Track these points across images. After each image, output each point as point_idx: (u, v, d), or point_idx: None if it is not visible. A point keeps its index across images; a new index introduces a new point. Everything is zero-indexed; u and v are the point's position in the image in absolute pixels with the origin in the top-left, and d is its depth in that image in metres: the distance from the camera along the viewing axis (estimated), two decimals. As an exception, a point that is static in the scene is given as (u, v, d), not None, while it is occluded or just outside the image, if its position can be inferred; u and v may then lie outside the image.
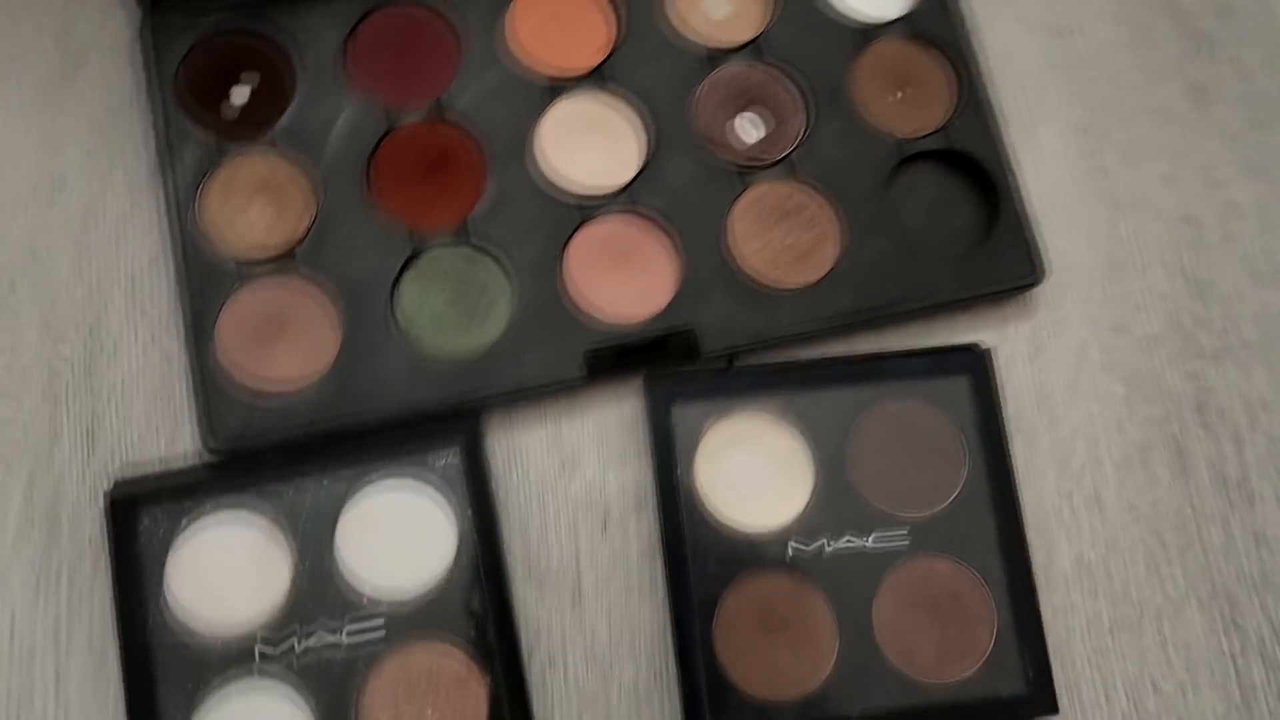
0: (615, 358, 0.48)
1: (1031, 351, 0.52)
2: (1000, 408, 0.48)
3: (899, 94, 0.53)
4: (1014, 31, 0.56)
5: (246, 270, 0.49)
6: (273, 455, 0.46)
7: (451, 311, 0.49)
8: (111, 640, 0.45)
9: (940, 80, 0.53)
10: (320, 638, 0.44)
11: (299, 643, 0.44)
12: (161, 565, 0.45)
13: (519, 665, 0.45)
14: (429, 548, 0.46)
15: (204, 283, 0.48)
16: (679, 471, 0.46)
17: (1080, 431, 0.51)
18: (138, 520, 0.45)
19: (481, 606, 0.45)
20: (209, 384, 0.47)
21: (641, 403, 0.48)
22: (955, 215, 0.52)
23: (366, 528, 0.46)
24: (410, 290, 0.49)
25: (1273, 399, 0.52)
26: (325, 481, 0.46)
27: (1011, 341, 0.52)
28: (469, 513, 0.46)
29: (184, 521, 0.45)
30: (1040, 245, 0.51)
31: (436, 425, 0.47)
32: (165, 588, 0.45)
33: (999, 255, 0.51)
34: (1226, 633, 0.49)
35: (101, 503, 0.46)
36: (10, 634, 0.46)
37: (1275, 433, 0.51)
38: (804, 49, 0.53)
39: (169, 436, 0.49)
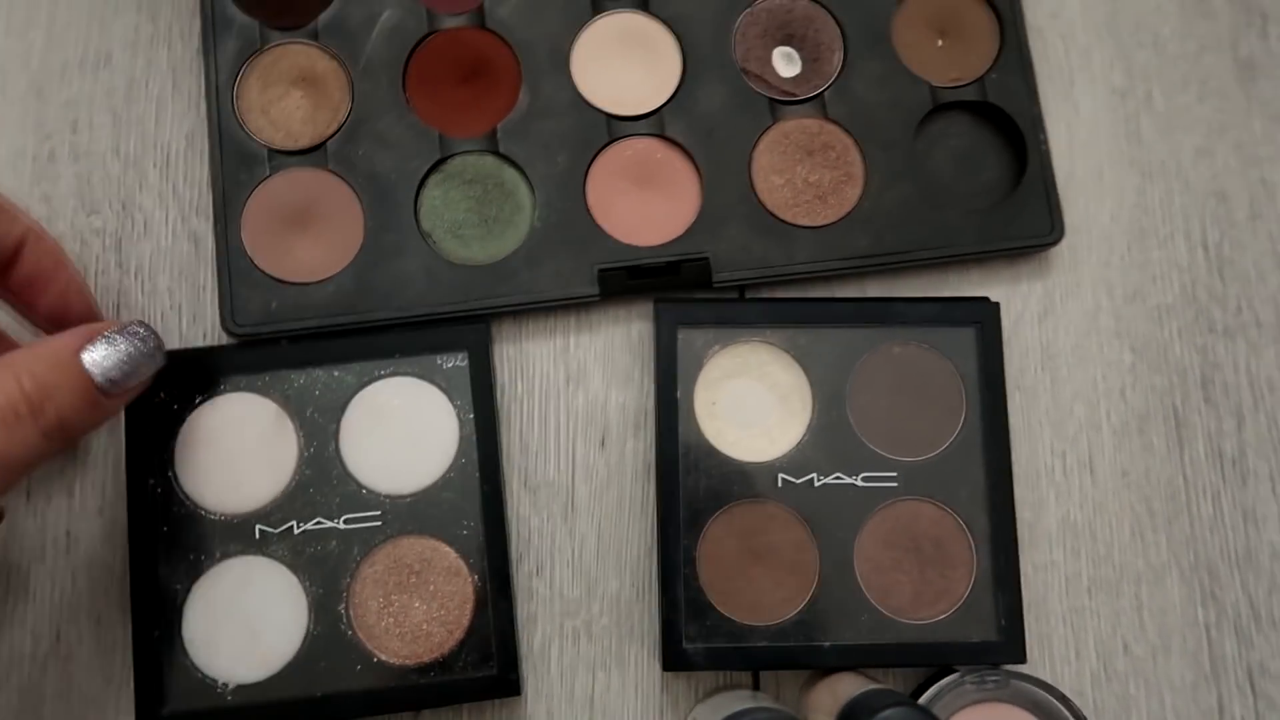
0: (628, 277, 0.48)
1: (1042, 311, 0.51)
2: (1003, 361, 0.48)
3: (940, 41, 0.52)
4: (1064, -13, 0.55)
5: (278, 159, 0.49)
6: (288, 343, 0.47)
7: (473, 218, 0.49)
8: (121, 501, 0.47)
9: (984, 31, 0.52)
10: (319, 522, 0.45)
11: (298, 525, 0.45)
12: (173, 438, 0.46)
13: (507, 567, 0.45)
14: (430, 446, 0.46)
15: (236, 166, 0.48)
16: (679, 394, 0.46)
17: (1081, 394, 0.50)
18: (152, 393, 0.45)
19: (476, 508, 0.45)
20: (233, 267, 0.47)
21: (649, 326, 0.48)
22: (981, 168, 0.51)
23: (371, 422, 0.46)
24: (434, 194, 0.49)
25: (1280, 380, 0.51)
26: (336, 373, 0.46)
27: (1023, 299, 0.51)
28: (471, 416, 0.46)
29: (197, 399, 0.46)
30: (1062, 206, 0.50)
31: (447, 329, 0.47)
32: (175, 460, 0.45)
33: (1020, 212, 0.50)
34: (1204, 604, 0.49)
35: None
36: (26, 495, 0.47)
37: (1278, 413, 0.50)
38: (850, -14, 0.52)
39: (191, 316, 0.49)
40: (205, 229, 0.50)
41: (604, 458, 0.49)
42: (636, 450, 0.49)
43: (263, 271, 0.48)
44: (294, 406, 0.46)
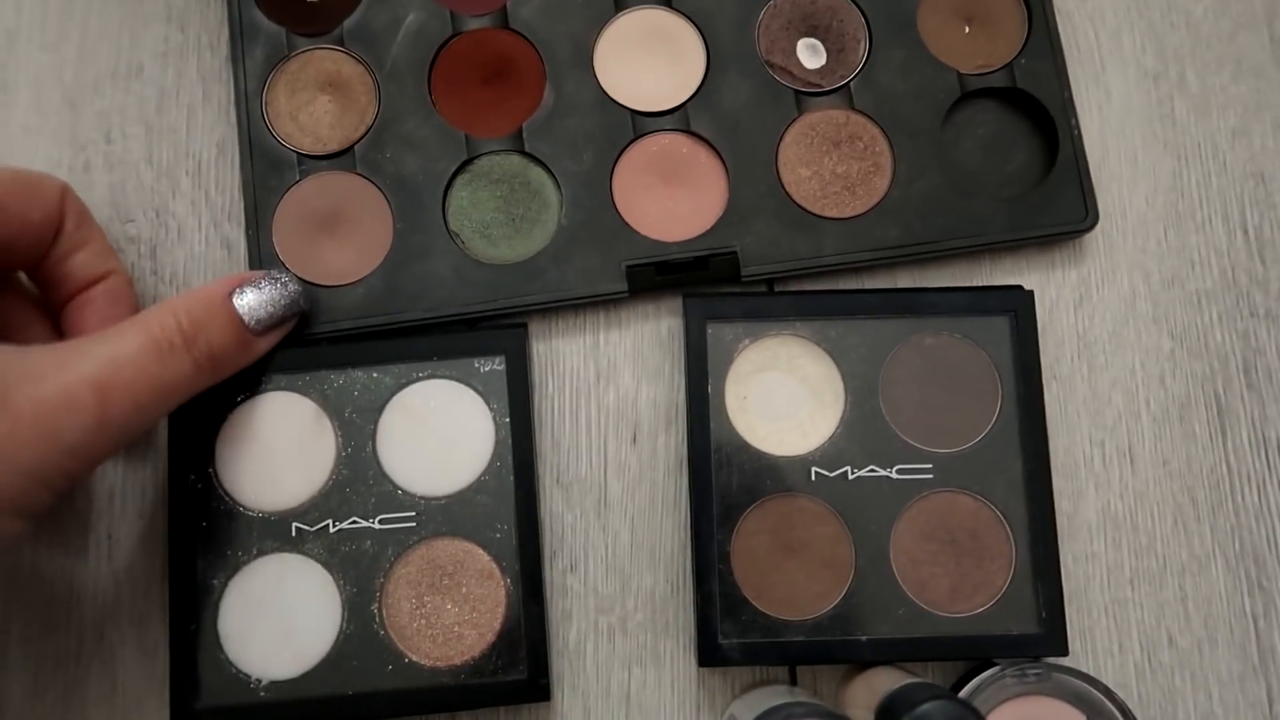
0: (656, 273, 0.48)
1: (1078, 299, 0.50)
2: (1038, 349, 0.47)
3: (967, 27, 0.51)
4: (1093, -29, 0.53)
5: (306, 164, 0.49)
6: (328, 344, 0.47)
7: (500, 218, 0.49)
8: (161, 506, 0.47)
9: (1011, 16, 0.51)
10: (354, 522, 0.45)
11: (334, 524, 0.45)
12: (214, 435, 0.46)
13: (539, 572, 0.45)
14: (466, 449, 0.46)
15: (266, 172, 0.49)
16: (710, 389, 0.45)
17: (1120, 382, 0.49)
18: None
19: (510, 512, 0.45)
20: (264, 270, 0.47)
21: (679, 321, 0.48)
22: (1011, 156, 0.50)
23: (408, 424, 0.46)
24: (462, 194, 0.49)
25: (1325, 364, 0.49)
26: (374, 375, 0.46)
27: (1057, 287, 0.50)
28: (507, 420, 0.46)
29: (239, 397, 0.46)
30: (1095, 192, 0.49)
31: (485, 333, 0.47)
32: (215, 456, 0.46)
33: (1052, 199, 0.49)
34: (1250, 594, 0.47)
35: None
36: (70, 499, 0.47)
37: (1324, 399, 0.49)
38: (875, -25, 0.51)
39: (225, 320, 0.49)
40: (237, 235, 0.50)
41: (635, 454, 0.48)
42: (668, 446, 0.48)
43: (294, 275, 0.48)
44: (333, 406, 0.46)
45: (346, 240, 0.48)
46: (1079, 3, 0.53)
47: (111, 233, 0.50)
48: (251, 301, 0.43)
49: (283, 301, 0.44)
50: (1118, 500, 0.48)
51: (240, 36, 0.50)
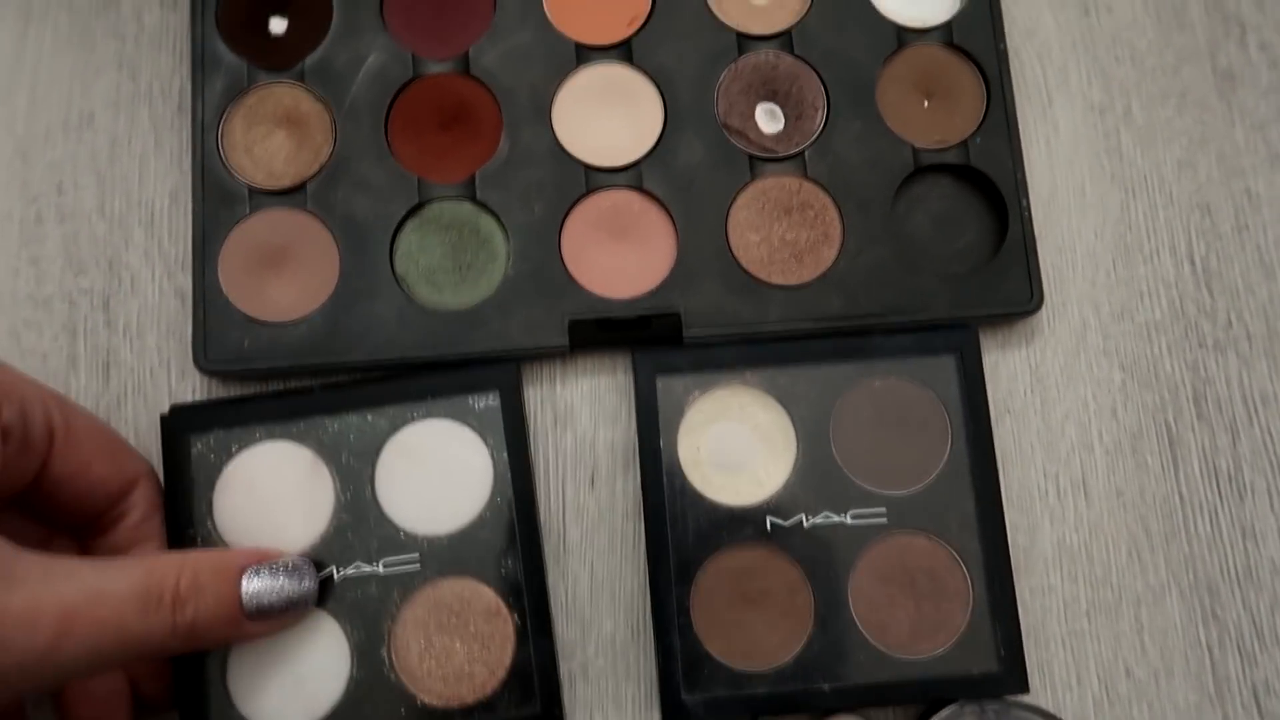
0: (598, 330, 0.46)
1: (1029, 332, 0.48)
2: (985, 387, 0.45)
3: (926, 101, 0.49)
4: (1039, 7, 0.52)
5: (258, 199, 0.47)
6: (320, 389, 0.45)
7: (447, 264, 0.47)
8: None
9: (970, 93, 0.49)
10: (358, 567, 0.43)
11: (338, 570, 0.43)
12: (211, 489, 0.44)
13: (547, 605, 0.43)
14: (465, 487, 0.44)
15: (217, 205, 0.47)
16: (662, 443, 0.44)
17: (1072, 415, 0.48)
18: (190, 446, 0.44)
19: (513, 546, 0.43)
20: (209, 304, 0.46)
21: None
22: (962, 232, 0.48)
23: (406, 465, 0.44)
24: (410, 239, 0.47)
25: (1273, 393, 0.48)
26: (369, 417, 0.45)
27: (1009, 322, 0.48)
28: (504, 455, 0.44)
29: (234, 449, 0.44)
30: (1046, 224, 0.48)
31: (478, 369, 0.45)
32: (213, 510, 0.44)
33: (999, 279, 0.47)
34: (1205, 623, 0.46)
35: (146, 429, 0.46)
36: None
37: (1273, 427, 0.48)
38: (837, 45, 0.49)
39: (179, 372, 0.47)
40: (190, 285, 0.47)
41: (594, 497, 0.46)
42: (626, 489, 0.46)
43: (237, 309, 0.46)
44: (329, 452, 0.44)
45: (292, 278, 0.47)
46: (1026, 39, 0.51)
47: (64, 286, 0.48)
48: (259, 587, 0.39)
49: (292, 596, 0.41)
50: (1072, 533, 0.47)
51: (201, 67, 0.48)
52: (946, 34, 0.49)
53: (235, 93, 0.48)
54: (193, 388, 0.47)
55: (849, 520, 0.43)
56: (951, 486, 0.44)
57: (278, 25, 0.49)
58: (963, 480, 0.44)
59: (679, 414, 0.44)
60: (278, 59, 0.49)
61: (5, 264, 0.48)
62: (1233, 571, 0.46)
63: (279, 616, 0.40)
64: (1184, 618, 0.46)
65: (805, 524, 0.43)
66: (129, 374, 0.47)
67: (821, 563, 0.43)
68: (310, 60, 0.48)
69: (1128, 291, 0.49)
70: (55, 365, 0.47)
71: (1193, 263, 0.49)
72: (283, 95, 0.48)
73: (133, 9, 0.51)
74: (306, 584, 0.41)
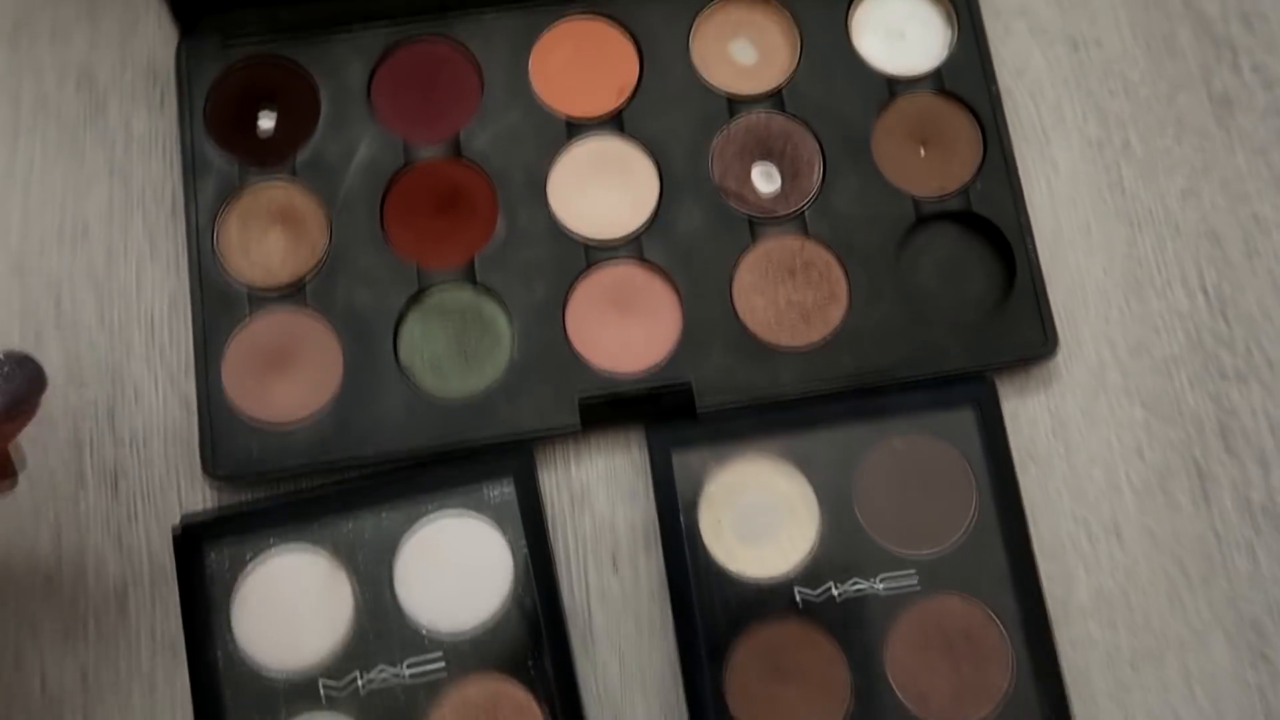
0: (609, 408, 0.45)
1: (1046, 377, 0.47)
2: (1007, 437, 0.44)
3: (922, 150, 0.48)
4: (1027, 45, 0.52)
5: (258, 300, 0.46)
6: (332, 490, 0.44)
7: (452, 351, 0.46)
8: (140, 684, 0.44)
9: (966, 137, 0.49)
10: (382, 671, 0.42)
11: (362, 677, 0.42)
12: (228, 604, 0.43)
13: (577, 696, 0.42)
14: (485, 581, 0.43)
15: (217, 310, 0.46)
16: (683, 519, 0.43)
17: (1097, 458, 0.47)
18: (204, 559, 0.43)
19: (538, 640, 0.42)
20: (214, 411, 0.45)
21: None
22: (969, 280, 0.47)
23: (424, 562, 0.44)
24: (413, 328, 0.46)
25: (1300, 420, 0.47)
26: (383, 516, 0.44)
27: (1026, 367, 0.47)
28: (524, 545, 0.43)
29: (248, 558, 0.43)
30: (1054, 265, 0.48)
31: (490, 458, 0.44)
32: (232, 623, 0.43)
33: (1010, 326, 0.46)
34: (1254, 665, 0.45)
35: (159, 541, 0.45)
36: (42, 685, 0.44)
37: (1303, 454, 0.47)
38: (828, 101, 0.48)
39: (189, 480, 0.46)
40: (194, 391, 0.47)
41: (618, 580, 0.45)
42: (649, 569, 0.45)
43: (243, 415, 0.45)
44: (345, 555, 0.43)
45: (297, 377, 0.46)
46: (1016, 79, 0.51)
47: (69, 401, 0.47)
48: None
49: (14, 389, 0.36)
50: (1108, 579, 0.46)
51: (192, 171, 0.48)
52: (937, 81, 0.49)
53: (228, 193, 0.48)
54: (204, 495, 0.46)
55: (879, 587, 0.43)
56: (981, 542, 0.43)
57: (266, 122, 0.49)
58: (992, 535, 0.43)
59: (697, 488, 0.44)
60: (268, 157, 0.48)
61: (7, 383, 0.47)
62: (1277, 608, 0.45)
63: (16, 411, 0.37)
64: (1231, 660, 0.45)
65: (835, 594, 0.42)
66: (138, 486, 0.46)
67: (855, 633, 0.42)
68: (301, 155, 0.48)
69: (1143, 327, 0.48)
70: (63, 483, 0.46)
71: (1205, 293, 0.49)
72: (276, 193, 0.48)
73: (120, 116, 0.50)
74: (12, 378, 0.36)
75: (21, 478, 0.46)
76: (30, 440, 0.46)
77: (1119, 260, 0.49)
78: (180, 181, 0.48)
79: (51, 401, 0.47)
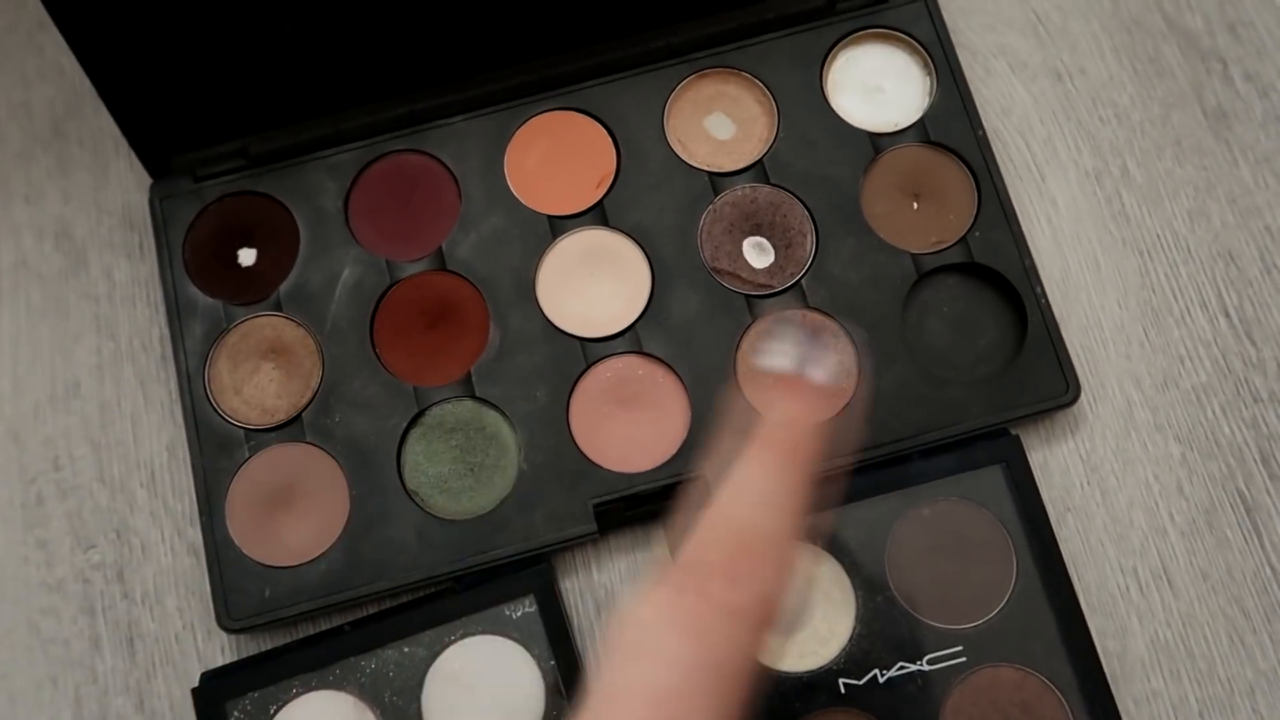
0: (625, 508, 0.44)
1: (1072, 422, 0.46)
2: (1039, 491, 0.43)
3: (915, 204, 0.48)
4: (1010, 83, 0.51)
5: (255, 439, 0.46)
6: (350, 628, 0.44)
7: (459, 469, 0.46)
8: None
9: (959, 185, 0.48)
10: None
11: None
12: None
13: None
14: (517, 704, 0.43)
15: (216, 455, 0.46)
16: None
17: (1137, 500, 0.46)
18: (226, 717, 0.43)
19: None
20: (223, 560, 0.45)
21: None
22: (980, 332, 0.47)
23: (452, 693, 0.43)
24: (416, 449, 0.46)
25: (1344, 437, 0.46)
26: (405, 649, 0.43)
27: (1050, 415, 0.46)
28: (552, 663, 0.43)
29: (272, 710, 0.43)
30: (1065, 304, 0.47)
31: (507, 577, 0.44)
32: None
33: (1029, 375, 0.45)
34: (1329, 701, 0.43)
35: (180, 699, 0.45)
36: None
37: (1352, 471, 0.45)
38: (812, 166, 0.48)
39: (205, 632, 0.46)
40: (200, 539, 0.47)
41: (654, 686, 0.44)
42: (686, 672, 0.44)
43: (252, 560, 0.45)
44: (371, 694, 0.43)
45: (304, 514, 0.46)
46: (1003, 118, 0.50)
47: (76, 565, 0.47)
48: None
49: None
50: (1164, 628, 0.44)
51: (178, 314, 0.48)
52: (921, 132, 0.49)
53: (216, 334, 0.48)
54: (220, 646, 0.46)
55: (926, 667, 0.41)
56: (1026, 607, 0.42)
57: (247, 257, 0.49)
58: (1037, 597, 0.42)
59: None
60: (252, 292, 0.48)
61: (12, 552, 0.47)
62: (1347, 638, 0.44)
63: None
64: (1306, 699, 0.43)
65: (880, 680, 0.41)
66: (154, 644, 0.46)
67: (906, 718, 0.41)
68: (285, 287, 0.48)
69: (1166, 358, 0.47)
70: (78, 650, 0.46)
71: (1227, 315, 0.48)
72: (263, 327, 0.48)
73: (101, 268, 0.51)
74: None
75: (37, 651, 0.46)
76: (43, 611, 0.47)
77: (1133, 292, 0.48)
78: (167, 326, 0.48)
79: (60, 568, 0.47)
